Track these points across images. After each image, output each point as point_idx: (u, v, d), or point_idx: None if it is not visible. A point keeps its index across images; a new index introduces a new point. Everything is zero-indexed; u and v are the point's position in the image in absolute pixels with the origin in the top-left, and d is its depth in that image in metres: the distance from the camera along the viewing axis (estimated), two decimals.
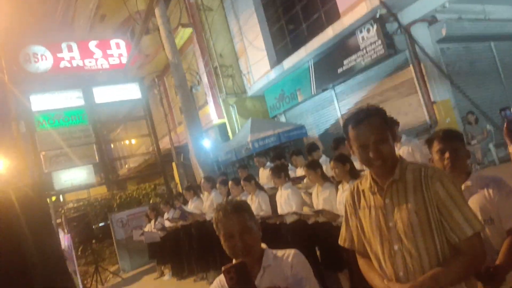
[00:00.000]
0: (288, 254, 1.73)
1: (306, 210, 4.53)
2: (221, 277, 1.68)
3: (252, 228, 1.69)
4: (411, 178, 1.56)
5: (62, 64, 14.31)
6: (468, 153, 2.05)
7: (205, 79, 13.50)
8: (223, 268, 1.44)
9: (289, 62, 10.45)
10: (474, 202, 1.86)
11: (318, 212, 3.89)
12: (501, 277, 1.70)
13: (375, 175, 1.62)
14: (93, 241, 10.34)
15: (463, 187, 1.90)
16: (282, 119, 12.08)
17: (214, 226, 1.73)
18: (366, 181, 1.68)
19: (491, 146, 7.71)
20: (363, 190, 1.69)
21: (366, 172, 1.71)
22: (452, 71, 8.13)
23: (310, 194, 4.62)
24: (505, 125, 2.19)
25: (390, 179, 1.57)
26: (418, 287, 1.45)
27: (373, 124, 1.55)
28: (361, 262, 1.74)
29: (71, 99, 12.57)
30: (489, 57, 8.90)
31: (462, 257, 1.46)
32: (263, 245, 1.78)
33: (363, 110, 1.59)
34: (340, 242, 1.81)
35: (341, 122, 10.03)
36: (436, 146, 2.04)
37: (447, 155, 1.97)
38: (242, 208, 1.71)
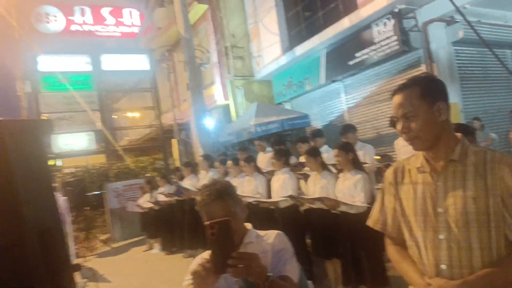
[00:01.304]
0: (271, 234, 1.73)
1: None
2: (204, 255, 1.64)
3: (236, 214, 1.66)
4: (473, 160, 1.38)
5: (74, 27, 14.22)
6: None
7: (214, 58, 13.37)
8: (207, 223, 1.40)
9: (301, 49, 10.31)
10: None
11: (319, 199, 3.86)
12: None
13: (426, 154, 1.47)
14: (87, 208, 10.37)
15: None
16: (288, 106, 11.99)
17: (197, 208, 1.70)
18: (416, 160, 1.52)
19: None
20: (409, 170, 1.53)
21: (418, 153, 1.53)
22: (464, 75, 8.01)
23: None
24: None
25: (447, 159, 1.41)
26: (468, 285, 1.29)
27: (407, 95, 1.41)
28: (391, 249, 1.59)
29: (79, 63, 12.52)
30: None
31: None
32: (248, 225, 1.77)
33: (409, 79, 1.46)
34: (369, 222, 1.65)
35: (347, 116, 9.94)
36: None
37: None
38: (226, 193, 1.66)
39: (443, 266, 1.35)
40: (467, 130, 5.53)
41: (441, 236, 1.36)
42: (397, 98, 1.44)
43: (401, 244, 1.53)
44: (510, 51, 8.86)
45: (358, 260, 3.67)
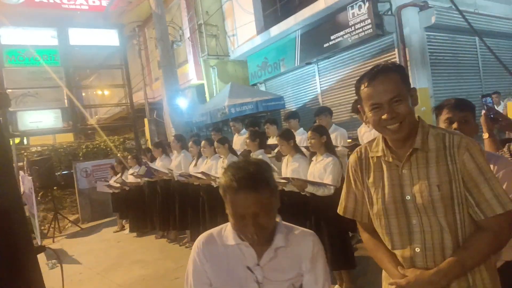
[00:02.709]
0: (308, 238, 1.48)
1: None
2: (200, 242, 1.49)
3: (272, 207, 1.36)
4: (433, 146, 1.39)
5: None
6: (476, 127, 1.93)
7: (187, 35, 13.05)
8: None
9: (277, 29, 10.19)
10: None
11: (287, 180, 3.88)
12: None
13: (390, 141, 1.46)
14: (55, 187, 10.09)
15: None
16: (262, 88, 11.92)
17: (221, 191, 1.37)
18: (377, 147, 1.50)
19: None
20: (372, 157, 1.51)
21: (378, 136, 1.52)
22: (435, 60, 8.17)
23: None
24: (483, 112, 2.16)
25: (410, 147, 1.40)
26: (443, 273, 1.32)
27: (389, 80, 1.38)
28: (365, 236, 1.59)
29: (44, 37, 11.92)
30: (472, 51, 8.98)
31: (486, 236, 1.33)
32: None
33: (379, 66, 1.41)
34: (339, 211, 1.63)
35: (320, 99, 9.99)
36: (444, 114, 1.91)
37: (455, 125, 1.86)
38: (262, 181, 1.32)
39: (417, 249, 1.38)
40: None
41: (414, 221, 1.39)
42: (378, 84, 1.38)
43: (373, 230, 1.54)
44: (477, 38, 9.07)
45: (324, 242, 3.74)
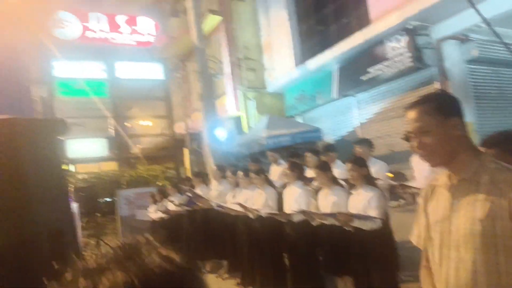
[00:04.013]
0: None
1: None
2: None
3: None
4: (487, 180, 1.34)
5: (89, 34, 14.44)
6: None
7: (227, 69, 13.50)
8: None
9: (314, 63, 10.37)
10: None
11: (332, 215, 3.84)
12: None
13: (447, 170, 1.46)
14: (98, 214, 10.45)
15: None
16: (299, 119, 12.02)
17: None
18: (441, 176, 1.51)
19: None
20: (436, 186, 1.52)
21: None
22: (478, 94, 7.98)
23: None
24: None
25: (460, 177, 1.40)
26: None
27: (421, 111, 1.42)
28: (422, 264, 1.58)
29: (94, 70, 12.74)
30: None
31: None
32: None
33: (423, 95, 1.48)
34: (410, 237, 1.65)
35: (359, 131, 9.94)
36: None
37: None
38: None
39: (451, 286, 1.35)
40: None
41: (452, 255, 1.36)
42: (412, 114, 1.44)
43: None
44: None
45: (371, 279, 3.65)
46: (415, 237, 1.61)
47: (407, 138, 1.55)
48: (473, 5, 5.16)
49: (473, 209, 1.32)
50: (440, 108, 1.41)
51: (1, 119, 1.85)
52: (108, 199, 11.29)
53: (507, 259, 1.26)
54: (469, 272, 1.29)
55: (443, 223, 1.41)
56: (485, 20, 5.43)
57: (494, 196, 1.30)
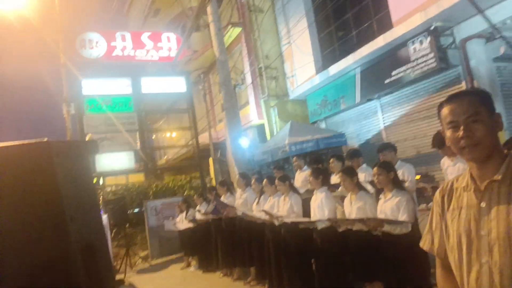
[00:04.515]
0: None
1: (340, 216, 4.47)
2: None
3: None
4: None
5: (115, 52, 14.93)
6: None
7: (249, 79, 13.62)
8: None
9: (335, 68, 10.33)
10: None
11: (360, 220, 3.80)
12: None
13: (473, 169, 1.40)
14: (127, 225, 10.69)
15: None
16: (322, 125, 11.96)
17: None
18: (463, 179, 1.45)
19: None
20: (456, 189, 1.47)
21: (466, 170, 1.48)
22: (507, 92, 7.74)
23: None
24: None
25: (491, 178, 1.34)
26: None
27: (468, 100, 1.38)
28: (438, 271, 1.56)
29: (120, 86, 13.11)
30: None
31: None
32: None
33: (463, 90, 1.45)
34: (421, 243, 1.62)
35: (384, 134, 9.80)
36: None
37: None
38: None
39: None
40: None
41: (483, 260, 1.30)
42: (457, 103, 1.39)
43: (448, 267, 1.49)
44: None
45: (401, 284, 3.57)
46: (427, 244, 1.57)
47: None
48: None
49: (507, 212, 1.27)
50: (486, 101, 1.40)
51: (39, 142, 1.95)
52: (136, 210, 11.52)
53: None
54: (505, 277, 1.24)
55: (468, 227, 1.35)
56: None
57: None
